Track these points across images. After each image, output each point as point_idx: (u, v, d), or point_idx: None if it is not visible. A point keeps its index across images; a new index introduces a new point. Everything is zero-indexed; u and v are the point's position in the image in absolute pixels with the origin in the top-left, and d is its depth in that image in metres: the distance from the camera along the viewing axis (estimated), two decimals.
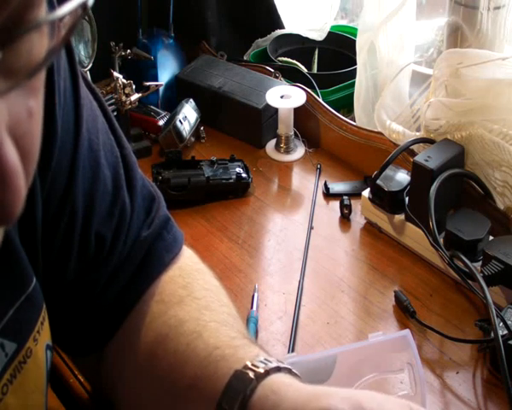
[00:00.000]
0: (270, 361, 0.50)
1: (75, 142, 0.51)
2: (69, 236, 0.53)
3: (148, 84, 1.17)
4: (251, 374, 0.48)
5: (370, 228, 0.98)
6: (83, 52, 1.13)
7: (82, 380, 0.71)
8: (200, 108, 1.19)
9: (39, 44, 0.28)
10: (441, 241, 0.86)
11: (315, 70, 1.37)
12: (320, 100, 1.16)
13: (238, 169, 1.07)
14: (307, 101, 1.13)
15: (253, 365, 0.49)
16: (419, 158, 0.88)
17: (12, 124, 0.28)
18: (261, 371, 0.49)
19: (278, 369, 0.50)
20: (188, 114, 1.16)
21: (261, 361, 0.50)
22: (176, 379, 0.54)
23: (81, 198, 0.53)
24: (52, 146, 0.48)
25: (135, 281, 0.60)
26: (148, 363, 0.57)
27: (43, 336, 0.51)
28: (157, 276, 0.61)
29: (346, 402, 0.43)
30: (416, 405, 0.45)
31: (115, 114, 1.12)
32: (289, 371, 0.51)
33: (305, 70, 1.29)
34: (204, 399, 0.50)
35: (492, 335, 0.72)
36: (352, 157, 1.11)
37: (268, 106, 1.13)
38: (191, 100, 1.18)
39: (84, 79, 0.55)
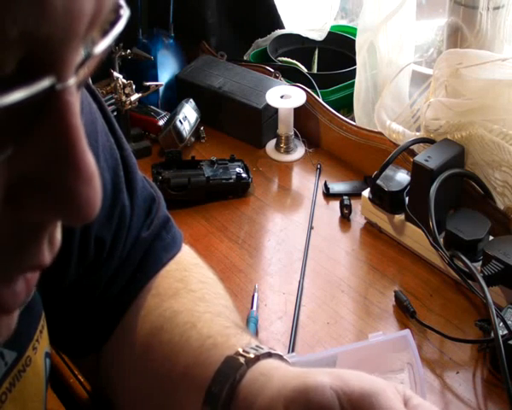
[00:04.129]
0: (261, 348, 0.51)
1: None
2: (69, 241, 0.53)
3: (148, 84, 1.16)
4: (241, 360, 0.49)
5: (370, 228, 0.98)
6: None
7: (82, 380, 0.71)
8: (200, 108, 1.19)
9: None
10: (441, 241, 0.86)
11: (315, 70, 1.37)
12: (320, 100, 1.16)
13: (238, 169, 1.07)
14: (307, 101, 1.13)
15: (244, 351, 0.50)
16: (419, 158, 0.88)
17: None
18: (252, 356, 0.49)
19: (269, 355, 0.50)
20: (188, 114, 1.15)
21: (252, 348, 0.50)
22: (170, 369, 0.54)
23: None
24: None
25: (133, 281, 0.60)
26: (143, 355, 0.57)
27: (42, 344, 0.51)
28: (154, 274, 0.61)
29: (327, 376, 0.44)
30: (400, 385, 0.45)
31: (115, 114, 1.12)
32: (280, 357, 0.51)
33: (305, 70, 1.29)
34: (196, 386, 0.50)
35: (492, 335, 0.72)
36: (352, 157, 1.10)
37: (268, 106, 1.13)
38: (191, 100, 1.18)
39: None
